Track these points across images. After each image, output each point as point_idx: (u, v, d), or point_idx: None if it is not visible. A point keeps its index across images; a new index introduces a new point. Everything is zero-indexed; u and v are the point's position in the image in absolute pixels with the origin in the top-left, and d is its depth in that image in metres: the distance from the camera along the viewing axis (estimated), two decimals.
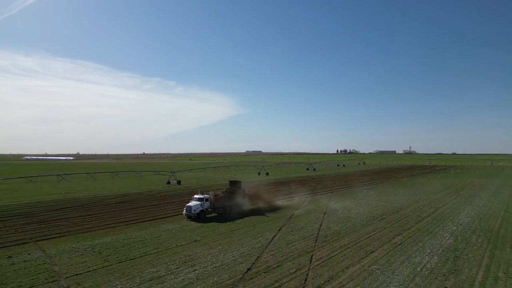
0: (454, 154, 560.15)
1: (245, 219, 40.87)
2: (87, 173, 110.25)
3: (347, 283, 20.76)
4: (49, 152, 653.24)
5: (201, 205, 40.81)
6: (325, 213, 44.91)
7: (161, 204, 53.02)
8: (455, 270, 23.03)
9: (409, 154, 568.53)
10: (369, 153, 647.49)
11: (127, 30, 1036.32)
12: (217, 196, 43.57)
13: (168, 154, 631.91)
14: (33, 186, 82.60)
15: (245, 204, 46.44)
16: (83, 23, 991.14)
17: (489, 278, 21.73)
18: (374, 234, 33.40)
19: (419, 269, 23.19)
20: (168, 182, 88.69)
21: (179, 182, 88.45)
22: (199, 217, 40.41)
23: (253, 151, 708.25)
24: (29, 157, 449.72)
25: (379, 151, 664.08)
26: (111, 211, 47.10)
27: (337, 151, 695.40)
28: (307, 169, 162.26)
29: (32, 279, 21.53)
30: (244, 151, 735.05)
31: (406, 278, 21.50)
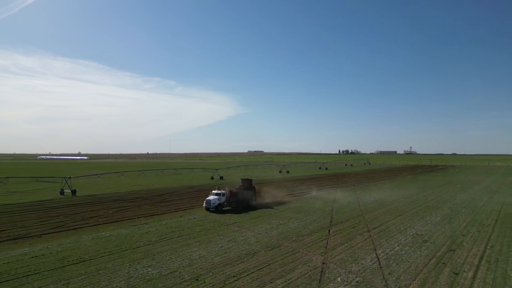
0: (454, 154, 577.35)
1: (299, 203, 57.39)
2: (158, 170, 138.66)
3: (390, 226, 37.57)
4: (52, 152, 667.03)
5: (218, 199, 46.76)
6: (357, 198, 61.67)
7: None
8: (449, 222, 39.82)
9: (409, 154, 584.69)
10: (370, 153, 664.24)
11: (127, 29, 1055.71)
12: (232, 191, 49.13)
13: (173, 154, 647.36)
14: (123, 180, 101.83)
15: (255, 199, 52.41)
16: (83, 23, 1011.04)
17: (469, 225, 38.51)
18: (397, 208, 50.19)
19: (429, 222, 40.01)
20: (212, 178, 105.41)
21: (222, 178, 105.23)
22: (217, 209, 46.08)
23: (255, 151, 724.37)
24: (44, 157, 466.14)
25: (380, 151, 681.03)
26: (200, 196, 63.67)
27: (339, 151, 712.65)
28: (319, 168, 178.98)
29: (214, 223, 38.33)
30: (245, 151, 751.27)
31: (422, 224, 38.33)
